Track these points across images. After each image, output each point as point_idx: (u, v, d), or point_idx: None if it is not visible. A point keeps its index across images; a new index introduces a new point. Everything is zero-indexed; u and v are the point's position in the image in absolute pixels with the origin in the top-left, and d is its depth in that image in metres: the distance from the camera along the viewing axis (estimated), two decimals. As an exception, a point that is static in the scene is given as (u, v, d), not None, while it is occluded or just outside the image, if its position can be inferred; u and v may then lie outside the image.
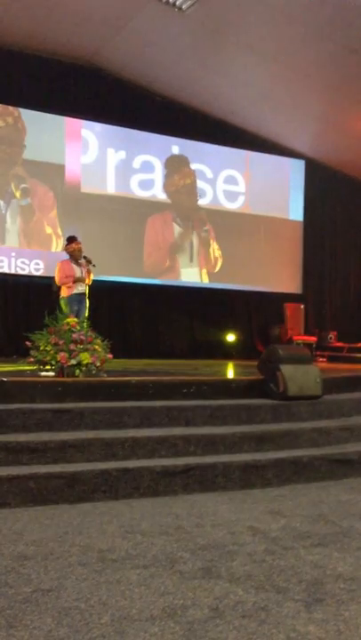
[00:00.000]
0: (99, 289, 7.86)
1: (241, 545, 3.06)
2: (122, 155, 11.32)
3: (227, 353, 11.94)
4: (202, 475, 4.10)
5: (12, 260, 10.28)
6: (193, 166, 12.01)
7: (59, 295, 7.57)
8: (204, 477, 4.11)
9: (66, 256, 7.77)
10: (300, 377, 5.34)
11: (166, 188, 11.79)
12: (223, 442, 4.50)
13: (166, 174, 11.78)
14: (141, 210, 11.52)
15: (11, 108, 10.35)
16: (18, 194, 10.32)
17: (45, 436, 4.17)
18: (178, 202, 11.91)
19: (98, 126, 11.12)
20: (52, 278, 7.72)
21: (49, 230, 10.60)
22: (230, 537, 3.18)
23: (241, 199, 12.45)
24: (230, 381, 6.04)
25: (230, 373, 7.64)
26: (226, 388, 5.53)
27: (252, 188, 12.50)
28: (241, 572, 2.70)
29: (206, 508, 3.71)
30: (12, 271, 10.28)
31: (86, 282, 7.60)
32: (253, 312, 12.73)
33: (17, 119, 10.36)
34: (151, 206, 11.63)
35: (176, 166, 11.88)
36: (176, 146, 11.85)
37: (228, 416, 4.94)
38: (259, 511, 3.68)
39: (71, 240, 7.77)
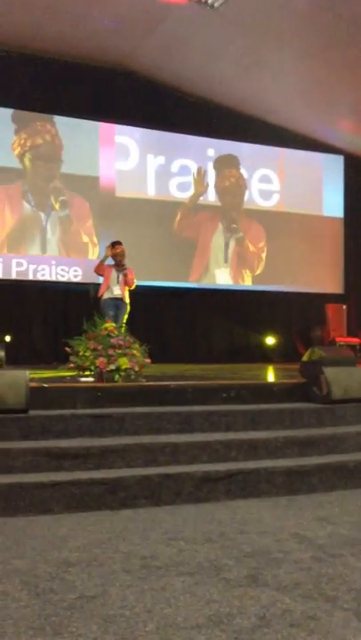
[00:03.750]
0: (135, 293, 7.86)
1: (287, 552, 2.99)
2: (160, 159, 11.46)
3: (266, 356, 11.82)
4: (244, 480, 4.04)
5: (53, 267, 10.55)
6: (230, 168, 11.99)
7: (98, 300, 7.64)
8: (247, 483, 4.04)
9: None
10: (345, 379, 5.22)
11: (214, 188, 11.86)
12: (265, 447, 4.42)
13: (212, 176, 11.87)
14: (178, 212, 11.56)
15: (48, 125, 10.71)
16: (57, 206, 10.71)
17: (86, 442, 4.17)
18: (223, 203, 11.91)
19: (134, 132, 11.26)
20: (90, 284, 7.78)
21: (86, 239, 10.86)
22: (276, 544, 3.11)
23: (275, 197, 12.38)
24: (271, 385, 5.96)
25: (271, 377, 7.54)
26: (267, 392, 5.45)
27: (285, 186, 12.41)
28: (288, 580, 2.64)
29: (250, 515, 3.64)
30: (53, 278, 10.52)
31: (125, 287, 7.62)
32: (293, 314, 12.57)
33: (54, 136, 10.76)
34: (194, 209, 11.67)
35: (218, 168, 11.91)
36: (211, 148, 11.86)
37: (270, 420, 4.86)
38: (304, 518, 3.60)
39: (113, 244, 7.80)
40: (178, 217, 11.54)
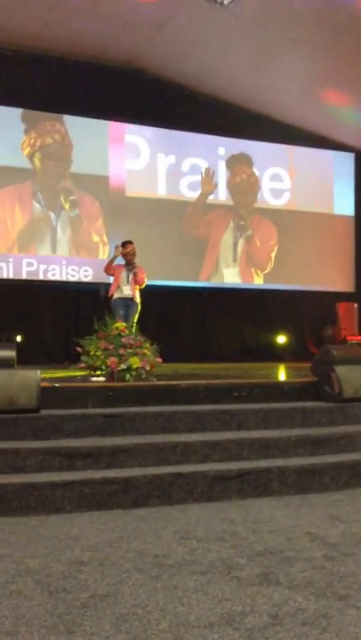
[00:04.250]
0: (145, 292, 7.86)
1: (299, 551, 2.98)
2: (171, 159, 11.47)
3: (278, 355, 11.79)
4: (256, 479, 4.03)
5: (63, 267, 10.59)
6: (241, 165, 11.98)
7: (109, 300, 7.66)
8: (259, 482, 4.04)
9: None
10: (356, 378, 5.19)
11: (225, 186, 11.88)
12: (277, 446, 4.42)
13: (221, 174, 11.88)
14: (188, 211, 11.56)
15: (58, 124, 10.72)
16: (67, 206, 10.73)
17: (98, 441, 4.18)
18: (235, 201, 11.93)
19: (145, 131, 11.28)
20: (100, 284, 7.79)
21: (96, 239, 10.88)
22: (288, 543, 3.10)
23: (286, 196, 12.35)
24: (283, 384, 5.95)
25: (282, 376, 7.53)
26: (278, 391, 5.44)
27: (296, 184, 12.38)
28: (300, 579, 2.63)
29: (262, 514, 3.64)
30: (64, 278, 10.55)
31: (135, 287, 7.62)
32: (305, 312, 12.52)
33: (64, 136, 10.77)
34: (203, 208, 11.68)
35: (230, 166, 11.94)
36: (222, 147, 11.86)
37: (282, 419, 4.85)
38: (316, 516, 3.59)
39: (123, 243, 7.81)
40: (187, 216, 11.53)
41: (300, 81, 10.51)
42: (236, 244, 11.93)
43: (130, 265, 7.61)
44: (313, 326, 12.46)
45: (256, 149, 12.11)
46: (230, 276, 11.84)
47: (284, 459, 4.34)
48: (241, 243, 11.96)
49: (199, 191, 11.69)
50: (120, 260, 7.77)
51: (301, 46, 9.47)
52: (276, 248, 12.18)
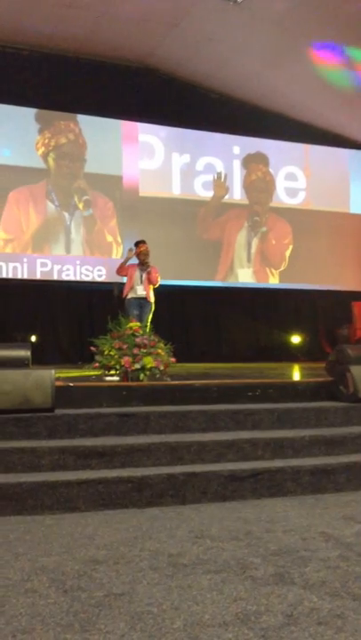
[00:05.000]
0: (159, 292, 7.87)
1: (314, 551, 2.97)
2: (186, 158, 11.47)
3: (292, 355, 11.74)
4: (271, 479, 4.02)
5: (77, 267, 10.62)
6: (256, 164, 11.96)
7: (122, 299, 7.68)
8: (273, 482, 4.03)
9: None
10: (371, 378, 5.17)
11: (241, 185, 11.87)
12: (292, 445, 4.40)
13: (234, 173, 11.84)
14: (200, 216, 11.56)
15: (72, 124, 10.76)
16: (81, 205, 10.77)
17: (112, 441, 4.20)
18: (249, 199, 11.93)
19: (159, 130, 11.29)
20: (114, 284, 7.81)
21: (109, 238, 10.90)
22: (302, 543, 3.09)
23: (302, 195, 12.29)
24: (297, 384, 5.93)
25: (297, 376, 7.50)
26: (293, 391, 5.42)
27: (312, 183, 12.32)
28: (315, 579, 2.62)
29: (276, 513, 3.63)
30: (77, 278, 10.60)
31: (149, 286, 7.62)
32: (319, 312, 12.46)
33: (78, 135, 10.81)
34: (216, 210, 11.66)
35: (246, 164, 11.91)
36: (237, 146, 11.83)
37: (297, 419, 4.83)
38: (331, 516, 3.57)
39: (136, 243, 7.82)
40: (201, 217, 11.52)
41: (315, 78, 10.46)
42: (250, 244, 11.90)
43: (143, 265, 7.62)
44: (328, 326, 12.40)
45: (271, 148, 12.07)
46: (245, 276, 11.81)
47: (298, 459, 4.33)
48: (255, 242, 11.92)
49: (212, 192, 11.66)
50: (134, 260, 7.78)
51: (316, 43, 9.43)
52: (290, 247, 12.13)
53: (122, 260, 8.04)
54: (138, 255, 7.68)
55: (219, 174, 11.69)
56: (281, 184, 12.16)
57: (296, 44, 9.55)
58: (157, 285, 7.72)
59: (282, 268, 12.07)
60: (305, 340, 12.09)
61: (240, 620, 2.23)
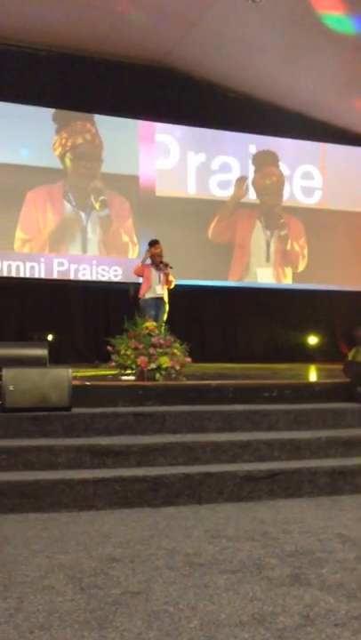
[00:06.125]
0: (174, 292, 7.87)
1: (330, 552, 2.96)
2: (201, 157, 11.43)
3: (309, 356, 11.68)
4: (287, 480, 4.01)
5: (94, 267, 10.66)
6: (271, 165, 11.93)
7: (138, 299, 7.68)
8: (290, 483, 4.02)
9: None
10: (388, 379, 5.14)
11: (254, 186, 11.81)
12: (308, 447, 4.39)
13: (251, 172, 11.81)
14: (217, 214, 11.54)
15: (88, 124, 10.78)
16: (97, 206, 10.78)
17: (128, 440, 4.22)
18: (262, 201, 11.86)
19: (175, 129, 11.27)
20: (130, 284, 7.80)
21: (126, 238, 10.92)
22: (319, 544, 3.08)
23: (318, 194, 12.23)
24: (314, 384, 5.91)
25: (313, 376, 7.47)
26: (309, 392, 5.41)
27: (328, 182, 12.24)
28: (331, 580, 2.61)
29: (292, 515, 3.62)
30: (94, 278, 10.64)
31: (165, 286, 7.62)
32: (337, 312, 12.38)
33: (95, 135, 10.82)
34: (234, 207, 11.65)
35: (257, 164, 11.85)
36: (253, 145, 11.80)
37: (313, 420, 4.82)
38: (348, 518, 3.56)
39: (151, 244, 7.82)
40: (216, 219, 11.49)
41: (333, 77, 10.39)
42: (268, 244, 11.85)
43: (159, 265, 7.62)
44: (345, 326, 12.31)
45: (287, 147, 12.01)
46: (263, 276, 11.75)
47: (315, 460, 4.31)
48: (273, 242, 11.87)
49: (229, 191, 11.63)
50: (148, 260, 7.80)
51: (332, 42, 9.35)
52: (306, 247, 12.07)
53: (140, 260, 8.03)
54: (152, 257, 7.68)
55: (242, 178, 11.65)
56: (297, 183, 12.11)
57: (313, 43, 9.50)
58: (173, 286, 7.71)
59: (301, 268, 12.01)
60: (322, 341, 12.02)
61: (256, 621, 2.23)
